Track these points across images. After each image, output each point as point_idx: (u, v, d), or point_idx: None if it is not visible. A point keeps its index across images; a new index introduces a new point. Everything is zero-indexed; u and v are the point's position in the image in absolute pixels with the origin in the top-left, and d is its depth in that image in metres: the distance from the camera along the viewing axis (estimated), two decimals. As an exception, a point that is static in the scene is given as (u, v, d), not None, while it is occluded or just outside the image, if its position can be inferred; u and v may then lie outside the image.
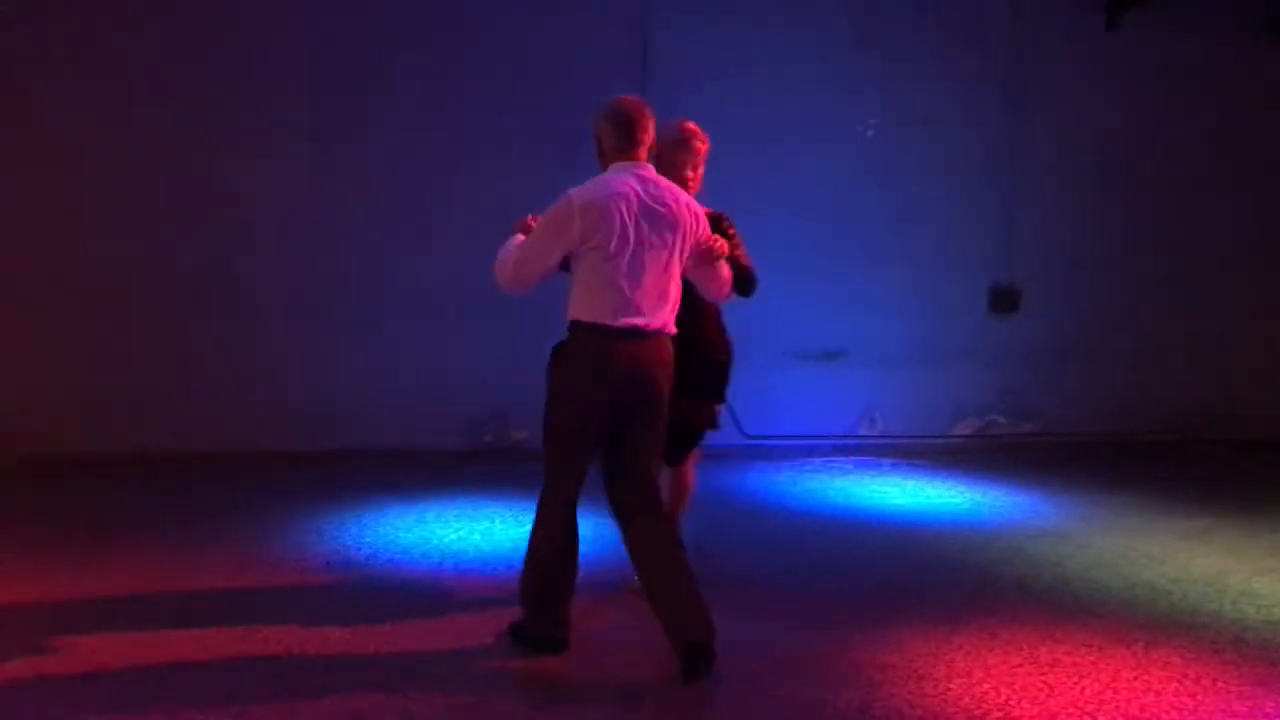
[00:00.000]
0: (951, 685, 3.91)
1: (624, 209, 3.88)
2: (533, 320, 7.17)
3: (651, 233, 3.92)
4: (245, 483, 6.51)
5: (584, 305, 3.94)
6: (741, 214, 7.59)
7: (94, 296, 6.87)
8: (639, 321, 3.91)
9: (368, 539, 5.47)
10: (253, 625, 4.21)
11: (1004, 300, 8.39)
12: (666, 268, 3.98)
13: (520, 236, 4.10)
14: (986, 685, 3.92)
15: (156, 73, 6.92)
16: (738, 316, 7.67)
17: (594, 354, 3.92)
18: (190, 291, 7.00)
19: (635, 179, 3.98)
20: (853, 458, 7.91)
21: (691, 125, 4.64)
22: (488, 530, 5.71)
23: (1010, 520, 6.36)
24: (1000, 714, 3.69)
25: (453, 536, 5.54)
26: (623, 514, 4.09)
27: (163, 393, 6.99)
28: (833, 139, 7.92)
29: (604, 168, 4.10)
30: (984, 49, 8.20)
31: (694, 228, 4.06)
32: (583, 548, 4.25)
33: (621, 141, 4.05)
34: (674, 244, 3.98)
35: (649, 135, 4.09)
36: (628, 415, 3.98)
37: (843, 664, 4.09)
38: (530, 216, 4.13)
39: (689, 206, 4.08)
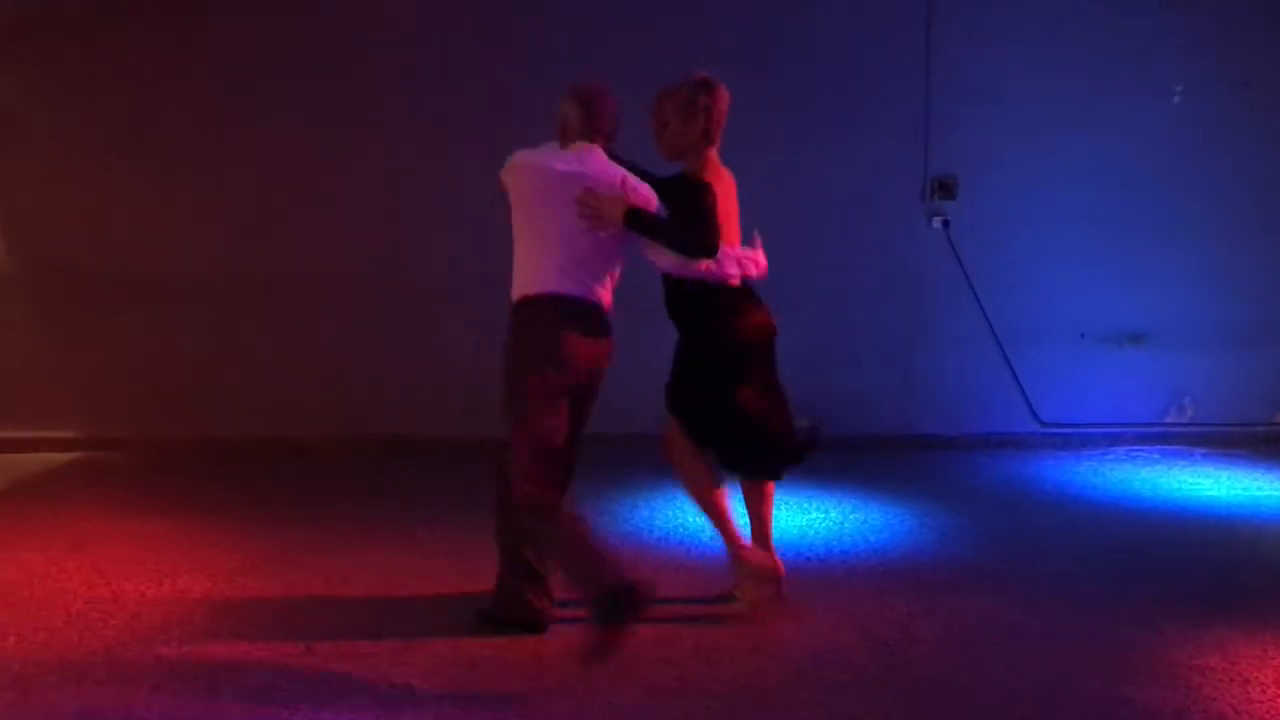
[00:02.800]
0: (1282, 692, 3.62)
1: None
2: (821, 307, 7.21)
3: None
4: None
5: None
6: (1032, 185, 7.38)
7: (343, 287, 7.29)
8: None
9: (658, 522, 5.60)
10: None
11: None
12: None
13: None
14: (1322, 694, 3.60)
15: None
16: (1027, 296, 7.45)
17: None
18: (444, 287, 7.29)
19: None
20: (1160, 447, 7.43)
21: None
22: (774, 517, 5.72)
23: (1345, 515, 5.83)
24: (1340, 725, 3.39)
25: (739, 523, 5.58)
26: None
27: (422, 380, 7.27)
28: (1133, 105, 7.45)
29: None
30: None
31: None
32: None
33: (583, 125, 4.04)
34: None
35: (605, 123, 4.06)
36: None
37: (1155, 664, 3.86)
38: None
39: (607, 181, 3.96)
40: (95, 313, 7.14)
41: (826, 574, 4.84)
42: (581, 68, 6.86)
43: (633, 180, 4.01)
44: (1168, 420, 7.63)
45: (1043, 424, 7.52)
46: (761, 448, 4.33)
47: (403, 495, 6.16)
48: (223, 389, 7.20)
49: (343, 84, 7.14)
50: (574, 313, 3.91)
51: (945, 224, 7.41)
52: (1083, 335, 7.57)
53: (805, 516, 5.71)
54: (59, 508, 5.83)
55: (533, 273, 3.97)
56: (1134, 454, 7.30)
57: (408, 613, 4.33)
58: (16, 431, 7.10)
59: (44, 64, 7.02)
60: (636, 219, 3.91)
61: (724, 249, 4.10)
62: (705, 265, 4.07)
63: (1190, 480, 6.62)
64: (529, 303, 3.96)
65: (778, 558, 4.39)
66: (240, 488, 6.31)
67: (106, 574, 4.75)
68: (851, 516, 5.76)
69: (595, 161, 3.99)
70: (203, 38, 7.08)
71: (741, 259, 4.20)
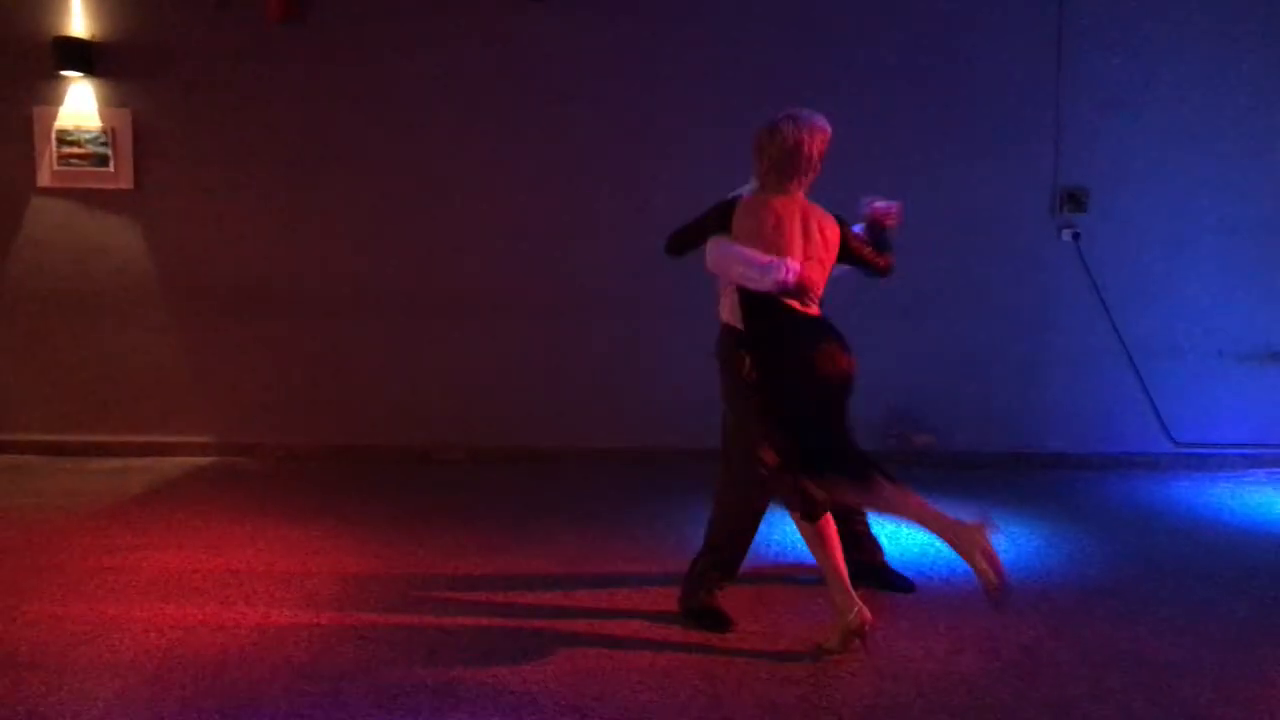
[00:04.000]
0: None
1: None
2: (947, 320, 7.10)
3: None
4: (631, 478, 6.82)
5: None
6: (1166, 197, 7.14)
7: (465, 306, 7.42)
8: None
9: (775, 537, 5.56)
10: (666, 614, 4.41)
11: None
12: None
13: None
14: None
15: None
16: (1162, 311, 7.21)
17: None
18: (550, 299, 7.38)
19: None
20: (1303, 469, 7.13)
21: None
22: (894, 534, 5.64)
23: None
24: None
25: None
26: None
27: (535, 391, 7.41)
28: (1272, 113, 7.16)
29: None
30: None
31: None
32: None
33: None
34: None
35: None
36: None
37: (1299, 697, 3.70)
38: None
39: None
40: (232, 324, 7.40)
41: (951, 594, 4.75)
42: (728, 94, 6.98)
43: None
44: (1312, 442, 7.31)
45: (1177, 444, 7.27)
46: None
47: (523, 504, 6.23)
48: (352, 398, 7.41)
49: (484, 104, 7.28)
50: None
51: (1076, 236, 7.22)
52: (1220, 352, 7.31)
53: (927, 535, 5.60)
54: (196, 510, 6.04)
55: None
56: (1274, 477, 7.01)
57: (525, 620, 4.38)
58: (157, 436, 7.40)
59: (188, 85, 7.30)
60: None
61: (749, 256, 4.12)
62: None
63: (1337, 505, 6.33)
64: None
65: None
66: (369, 494, 6.46)
67: (241, 575, 4.91)
68: (975, 535, 5.62)
69: None
70: (343, 58, 7.30)
71: (777, 274, 4.10)
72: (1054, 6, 7.14)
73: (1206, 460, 7.23)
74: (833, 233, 4.25)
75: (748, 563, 4.64)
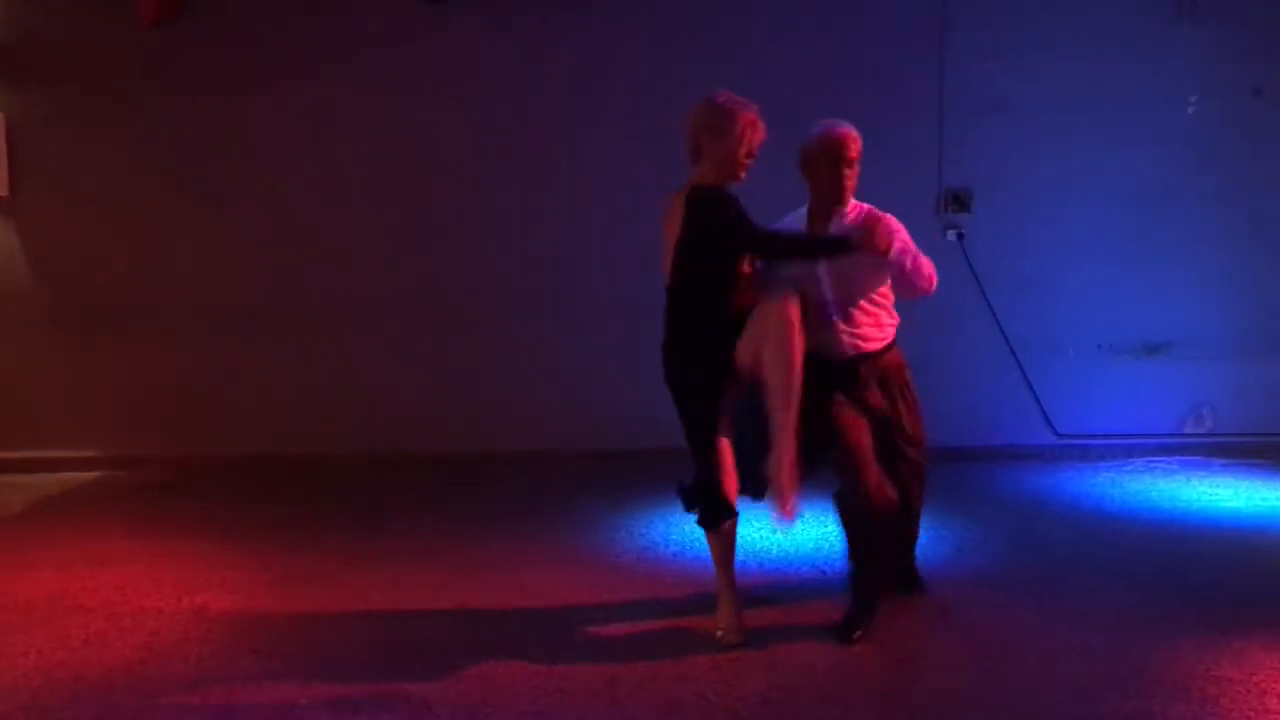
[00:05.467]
0: (1301, 704, 3.60)
1: None
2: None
3: None
4: (561, 481, 6.82)
5: None
6: (1047, 196, 7.37)
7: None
8: None
9: (674, 535, 5.60)
10: (573, 614, 4.41)
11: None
12: None
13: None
14: (1343, 705, 3.58)
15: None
16: (1044, 307, 7.43)
17: None
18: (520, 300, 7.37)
19: None
20: (1179, 458, 7.39)
21: None
22: (790, 529, 5.73)
23: (1366, 526, 5.79)
24: (1360, 738, 3.36)
25: (756, 535, 5.59)
26: None
27: (431, 395, 7.37)
28: (1146, 114, 7.44)
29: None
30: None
31: None
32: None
33: None
34: None
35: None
36: None
37: (1172, 676, 3.84)
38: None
39: None
40: (114, 335, 7.22)
41: (842, 588, 4.82)
42: (625, 93, 7.01)
43: None
44: (1186, 431, 7.59)
45: (1060, 435, 7.49)
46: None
47: (421, 513, 6.18)
48: (237, 409, 7.28)
49: (380, 105, 7.23)
50: None
51: (960, 236, 7.40)
52: (1100, 346, 7.55)
53: (822, 529, 5.70)
54: (78, 527, 5.87)
55: None
56: (1153, 465, 7.27)
57: (422, 628, 4.35)
58: (37, 451, 7.18)
59: (64, 90, 7.11)
60: None
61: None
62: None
63: (1209, 491, 6.58)
64: None
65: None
66: (256, 506, 6.34)
67: (126, 592, 4.78)
68: (868, 530, 5.73)
69: None
70: (227, 59, 7.16)
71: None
72: (936, 16, 7.32)
73: (1088, 451, 7.47)
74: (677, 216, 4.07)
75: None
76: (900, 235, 4.32)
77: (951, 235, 7.40)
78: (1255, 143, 7.47)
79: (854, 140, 4.37)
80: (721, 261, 4.04)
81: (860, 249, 4.06)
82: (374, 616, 4.50)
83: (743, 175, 4.11)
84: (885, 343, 4.50)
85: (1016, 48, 7.39)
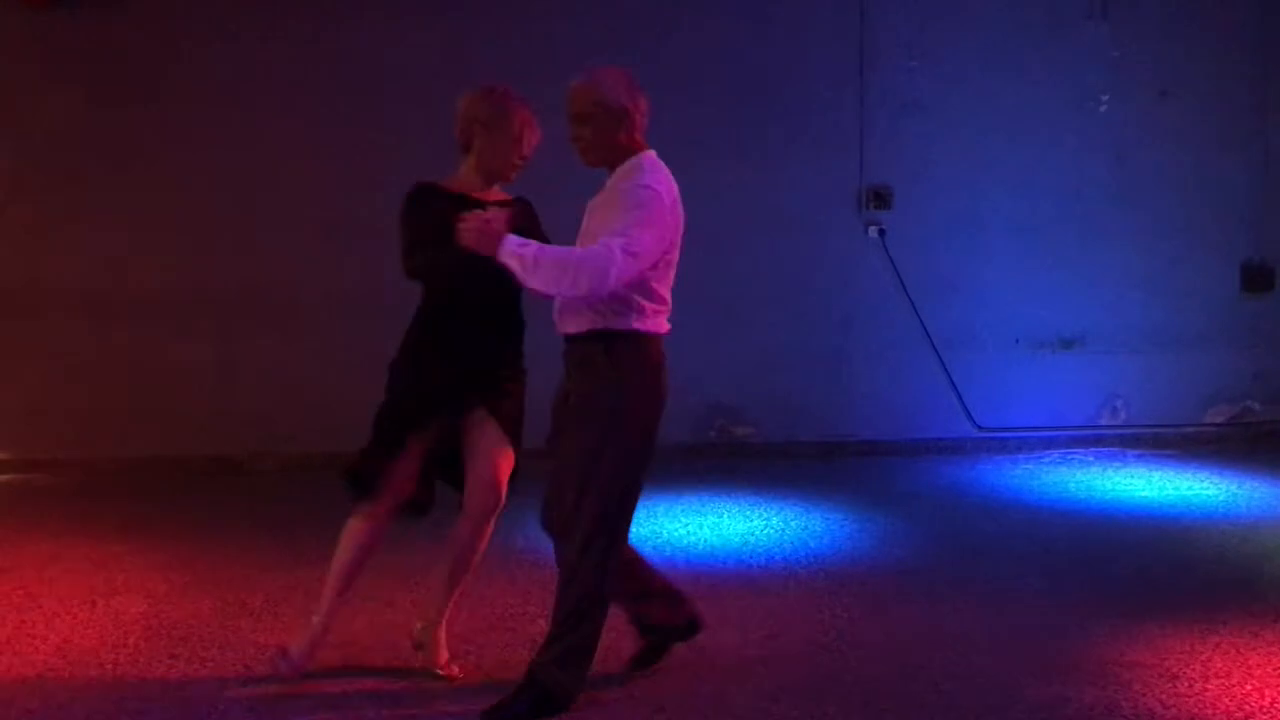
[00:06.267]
0: (1209, 686, 3.70)
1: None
2: (762, 316, 7.27)
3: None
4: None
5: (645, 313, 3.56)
6: (966, 194, 7.50)
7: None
8: None
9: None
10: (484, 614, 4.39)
11: (1258, 278, 7.84)
12: None
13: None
14: (1248, 687, 3.68)
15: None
16: (962, 302, 7.57)
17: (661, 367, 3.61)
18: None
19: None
20: (1094, 449, 7.57)
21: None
22: (716, 524, 5.76)
23: (1271, 513, 5.96)
24: (1266, 718, 3.46)
25: (682, 530, 5.62)
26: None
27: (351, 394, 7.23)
28: (1060, 114, 7.60)
29: (636, 144, 3.62)
30: (1231, 12, 7.71)
31: None
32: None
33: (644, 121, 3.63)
34: None
35: None
36: None
37: (1088, 662, 3.93)
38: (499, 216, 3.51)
39: None
40: (22, 331, 7.02)
41: (767, 581, 4.87)
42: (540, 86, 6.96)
43: None
44: (1101, 423, 7.78)
45: (979, 428, 7.63)
46: None
47: (338, 513, 6.08)
48: (157, 408, 7.11)
49: (281, 95, 7.12)
50: None
51: (881, 233, 7.50)
52: (1017, 340, 7.69)
53: (746, 524, 5.75)
54: (-12, 531, 5.71)
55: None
56: (1069, 457, 7.43)
57: (348, 632, 4.29)
58: (-59, 454, 6.96)
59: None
60: None
61: None
62: None
63: (1123, 481, 6.75)
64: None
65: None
66: (176, 508, 6.22)
67: (38, 597, 4.66)
68: (792, 523, 5.80)
69: None
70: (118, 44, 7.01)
71: None
72: (855, 17, 7.41)
73: (1006, 443, 7.61)
74: None
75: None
76: (610, 211, 3.54)
77: (873, 232, 7.49)
78: (1163, 142, 7.67)
79: (575, 94, 3.62)
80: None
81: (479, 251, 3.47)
82: (293, 618, 4.43)
83: (513, 178, 3.84)
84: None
85: (935, 47, 7.50)
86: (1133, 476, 6.86)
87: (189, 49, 7.09)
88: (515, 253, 3.45)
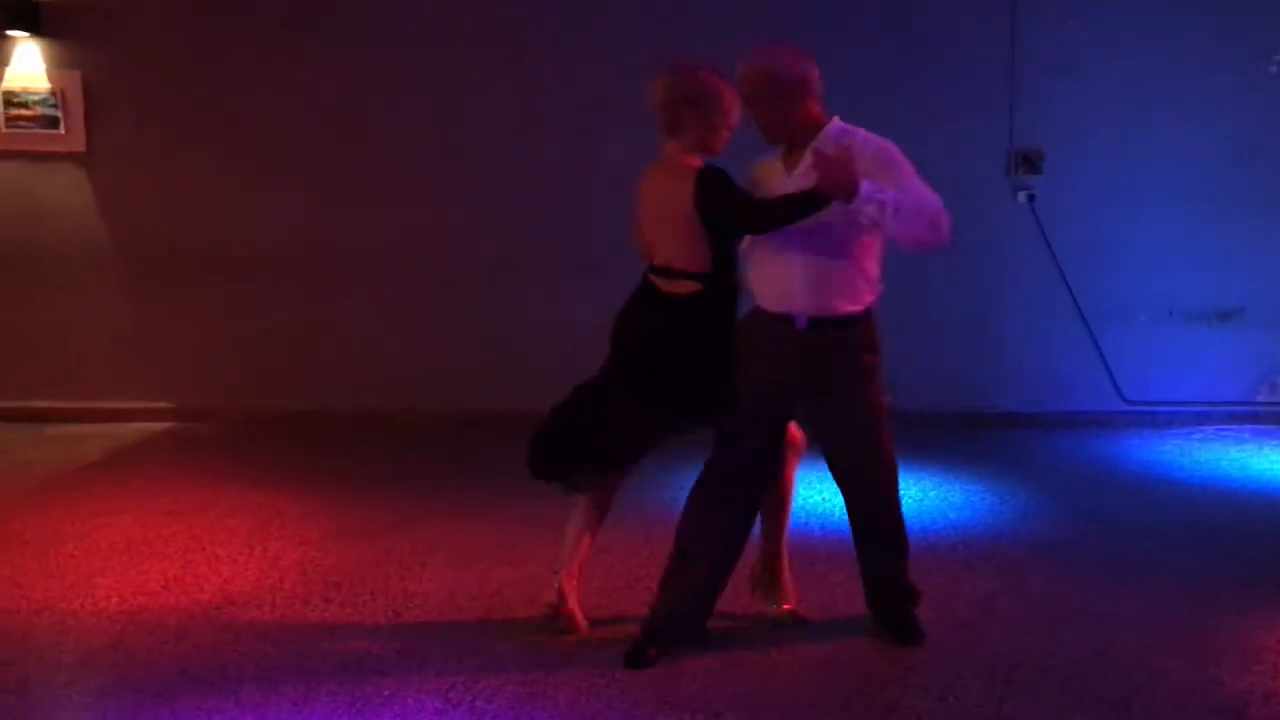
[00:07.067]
0: (1371, 677, 3.56)
1: None
2: (904, 281, 7.17)
3: None
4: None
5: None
6: (1121, 159, 7.24)
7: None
8: None
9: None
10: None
11: None
12: None
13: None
14: None
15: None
16: (1114, 272, 7.32)
17: None
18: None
19: None
20: (1249, 426, 7.27)
21: None
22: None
23: None
24: None
25: (818, 498, 5.59)
26: None
27: (506, 354, 7.33)
28: (1226, 77, 7.26)
29: (817, 114, 3.73)
30: None
31: None
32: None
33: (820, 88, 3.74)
34: None
35: None
36: None
37: (1240, 646, 3.81)
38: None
39: None
40: (186, 289, 7.33)
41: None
42: (646, 48, 6.96)
43: None
44: (1258, 399, 7.45)
45: (1128, 402, 7.40)
46: None
47: (485, 469, 6.25)
48: (311, 362, 7.37)
49: (443, 66, 7.25)
50: None
51: (1031, 198, 7.30)
52: (1170, 312, 7.42)
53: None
54: (155, 476, 6.02)
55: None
56: (1222, 433, 7.16)
57: (491, 582, 4.42)
58: (112, 402, 7.34)
59: (139, 41, 7.21)
60: None
61: None
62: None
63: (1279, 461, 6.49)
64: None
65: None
66: (330, 459, 6.46)
67: (202, 540, 4.91)
68: (932, 494, 5.74)
69: None
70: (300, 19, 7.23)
71: None
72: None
73: (1156, 418, 7.36)
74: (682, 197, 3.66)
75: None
76: (889, 171, 3.57)
77: (1022, 197, 7.29)
78: (1339, 102, 7.27)
79: (746, 76, 3.69)
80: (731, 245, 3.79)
81: (832, 196, 3.43)
82: (443, 570, 4.58)
83: (721, 151, 3.78)
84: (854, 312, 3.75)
85: (1093, 5, 7.22)
86: (1291, 456, 6.58)
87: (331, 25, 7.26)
88: (876, 196, 3.40)
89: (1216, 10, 7.21)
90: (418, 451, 6.70)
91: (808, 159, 3.60)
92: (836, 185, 3.38)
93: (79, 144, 7.21)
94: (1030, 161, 7.28)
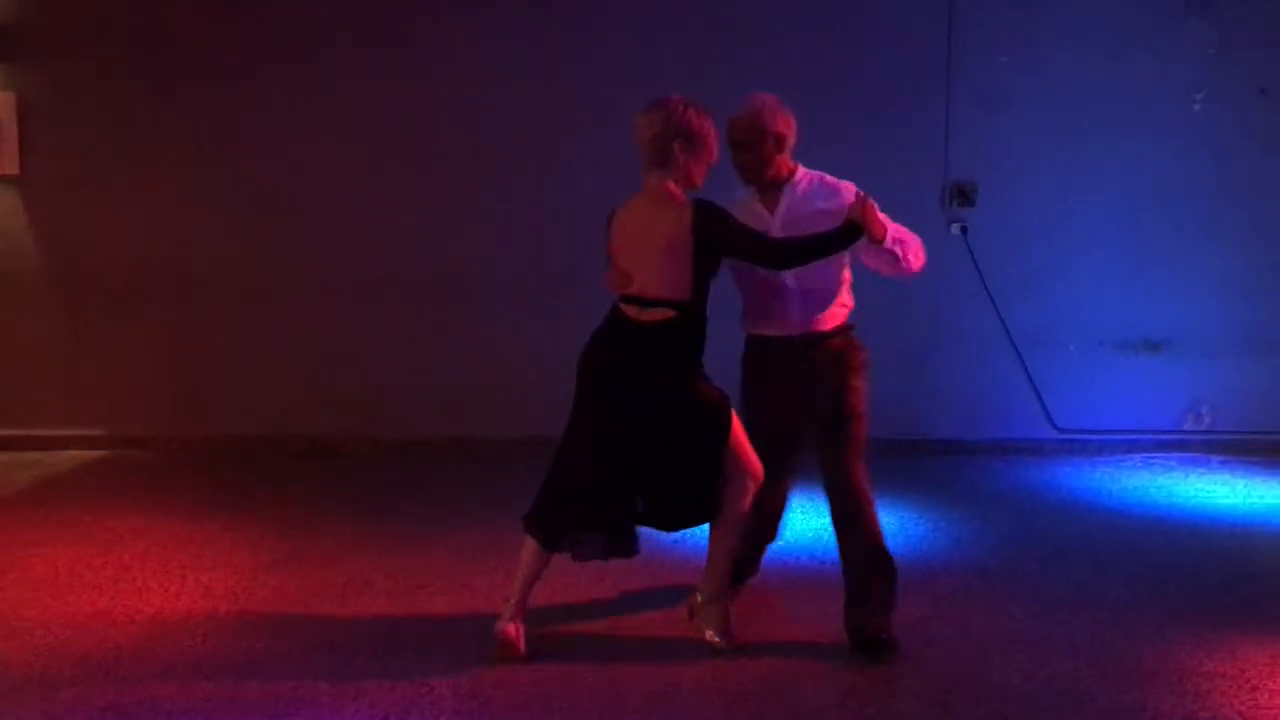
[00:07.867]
0: (1290, 699, 3.65)
1: None
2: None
3: None
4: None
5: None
6: (1051, 191, 7.40)
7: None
8: None
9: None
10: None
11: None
12: None
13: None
14: (1332, 702, 3.63)
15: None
16: (1045, 302, 7.47)
17: None
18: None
19: None
20: (1177, 454, 7.42)
21: None
22: (789, 519, 5.77)
23: (1362, 525, 5.83)
24: (1348, 734, 3.42)
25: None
26: None
27: (443, 380, 7.35)
28: (1156, 110, 7.45)
29: (789, 162, 4.27)
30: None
31: None
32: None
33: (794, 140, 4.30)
34: None
35: None
36: None
37: (1166, 670, 3.90)
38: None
39: None
40: (122, 314, 7.25)
41: (840, 577, 4.86)
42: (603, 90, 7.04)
43: None
44: (1185, 428, 7.62)
45: (1059, 430, 7.53)
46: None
47: (429, 496, 6.22)
48: (251, 389, 7.31)
49: (381, 88, 7.26)
50: None
51: (964, 230, 7.43)
52: (1101, 341, 7.58)
53: (820, 520, 5.74)
54: (87, 505, 5.93)
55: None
56: (1151, 461, 7.31)
57: (430, 612, 4.40)
58: (46, 429, 7.22)
59: (75, 63, 7.14)
60: None
61: None
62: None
63: (1206, 488, 6.63)
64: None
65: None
66: (266, 487, 6.40)
67: (133, 571, 4.84)
68: (867, 521, 5.78)
69: None
70: (240, 32, 7.20)
71: None
72: (944, 11, 7.33)
73: (1086, 446, 7.50)
74: (671, 226, 3.87)
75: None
76: (880, 214, 4.06)
77: (956, 229, 7.42)
78: (1260, 142, 7.48)
79: (739, 124, 4.13)
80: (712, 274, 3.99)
81: (871, 236, 3.96)
82: (381, 600, 4.55)
83: (700, 185, 4.01)
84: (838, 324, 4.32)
85: (1026, 42, 7.39)
86: (1217, 483, 6.73)
87: (294, 36, 7.24)
88: (897, 234, 4.09)
89: (1146, 46, 7.41)
90: (364, 479, 6.66)
91: (784, 201, 4.16)
92: (874, 226, 3.92)
93: (12, 167, 7.12)
94: (964, 194, 7.41)
